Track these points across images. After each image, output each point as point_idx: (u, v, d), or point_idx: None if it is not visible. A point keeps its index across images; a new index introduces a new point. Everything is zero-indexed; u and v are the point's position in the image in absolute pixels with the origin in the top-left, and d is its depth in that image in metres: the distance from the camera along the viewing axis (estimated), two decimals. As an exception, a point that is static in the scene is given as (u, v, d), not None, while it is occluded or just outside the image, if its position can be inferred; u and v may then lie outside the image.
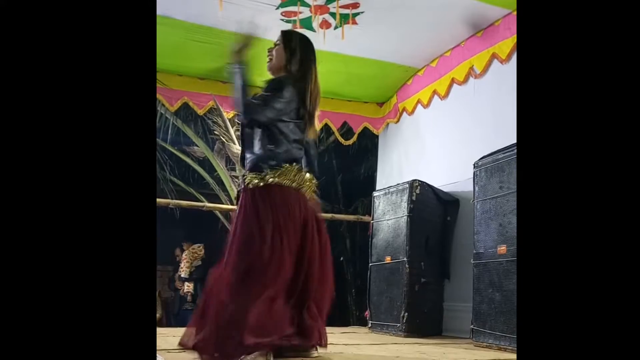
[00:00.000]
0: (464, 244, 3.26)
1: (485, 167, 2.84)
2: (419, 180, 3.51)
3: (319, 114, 2.21)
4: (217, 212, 6.20)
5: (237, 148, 5.43)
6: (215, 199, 6.36)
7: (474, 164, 2.94)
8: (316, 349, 2.07)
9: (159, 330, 2.88)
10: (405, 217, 3.42)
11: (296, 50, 2.15)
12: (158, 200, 3.51)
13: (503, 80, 3.24)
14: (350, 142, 4.94)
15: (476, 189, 2.89)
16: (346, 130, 4.94)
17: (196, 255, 6.81)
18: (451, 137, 3.78)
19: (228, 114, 5.39)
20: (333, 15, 3.29)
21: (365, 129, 4.74)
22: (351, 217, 5.09)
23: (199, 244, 6.88)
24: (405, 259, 3.34)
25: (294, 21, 3.31)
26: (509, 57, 3.24)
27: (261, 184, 2.01)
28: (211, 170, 6.51)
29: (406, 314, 3.27)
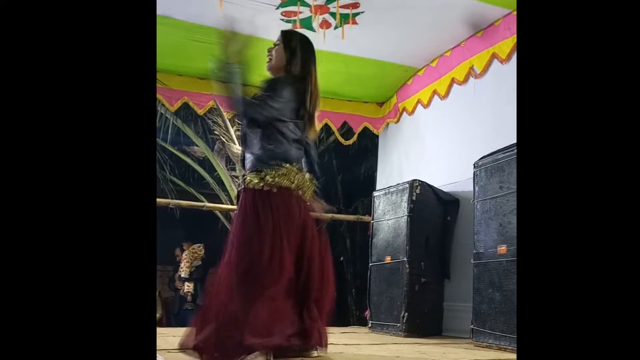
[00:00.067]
0: (464, 244, 3.26)
1: (485, 167, 2.84)
2: (419, 180, 3.51)
3: (319, 114, 2.21)
4: (217, 212, 6.20)
5: (237, 148, 5.43)
6: (215, 199, 6.36)
7: (474, 164, 2.94)
8: (316, 349, 2.07)
9: (159, 330, 2.88)
10: (405, 217, 3.42)
11: (296, 50, 2.15)
12: (158, 200, 3.50)
13: (503, 80, 3.24)
14: (350, 142, 4.93)
15: (476, 189, 2.89)
16: (346, 130, 4.94)
17: (196, 255, 6.81)
18: (451, 137, 3.78)
19: (228, 114, 5.39)
20: (333, 15, 3.29)
21: (365, 129, 4.73)
22: (351, 217, 5.08)
23: (199, 244, 6.88)
24: (405, 258, 3.34)
25: (294, 21, 3.31)
26: (509, 57, 3.23)
27: (261, 184, 2.01)
28: (211, 170, 6.51)
29: (406, 313, 3.27)
